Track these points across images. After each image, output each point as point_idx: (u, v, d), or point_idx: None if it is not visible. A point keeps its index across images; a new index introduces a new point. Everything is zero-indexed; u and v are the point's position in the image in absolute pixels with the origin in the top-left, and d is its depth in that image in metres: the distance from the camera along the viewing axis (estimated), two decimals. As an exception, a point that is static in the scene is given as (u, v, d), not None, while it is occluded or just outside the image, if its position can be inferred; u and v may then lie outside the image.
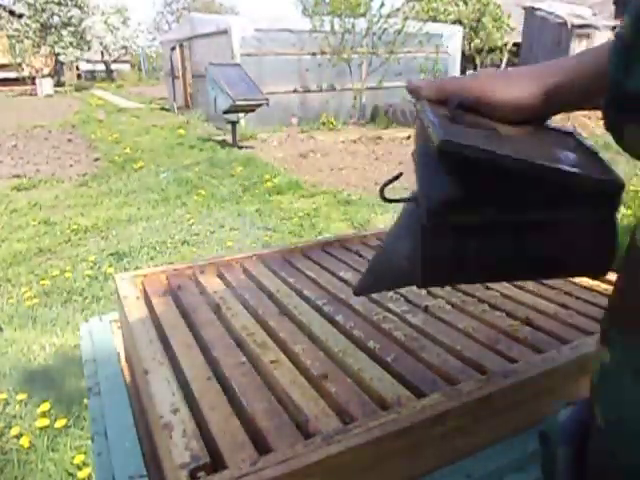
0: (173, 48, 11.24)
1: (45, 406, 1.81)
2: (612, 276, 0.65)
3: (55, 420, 1.76)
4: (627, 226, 3.11)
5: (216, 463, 0.47)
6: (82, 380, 1.77)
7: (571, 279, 0.88)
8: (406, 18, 9.68)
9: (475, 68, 15.34)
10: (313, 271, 0.91)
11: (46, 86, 15.94)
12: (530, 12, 13.23)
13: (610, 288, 0.85)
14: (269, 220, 4.00)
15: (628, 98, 0.30)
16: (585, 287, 0.86)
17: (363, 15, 9.43)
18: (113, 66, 26.31)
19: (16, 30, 18.77)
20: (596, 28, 12.16)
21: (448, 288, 0.84)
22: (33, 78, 17.13)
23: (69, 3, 20.28)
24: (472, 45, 14.93)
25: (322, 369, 0.61)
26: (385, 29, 9.24)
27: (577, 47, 12.18)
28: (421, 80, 0.50)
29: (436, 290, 0.83)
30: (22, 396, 1.89)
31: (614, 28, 12.12)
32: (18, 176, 5.43)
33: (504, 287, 0.85)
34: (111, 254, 3.31)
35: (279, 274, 0.90)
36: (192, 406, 0.54)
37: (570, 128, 0.50)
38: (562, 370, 0.60)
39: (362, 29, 9.15)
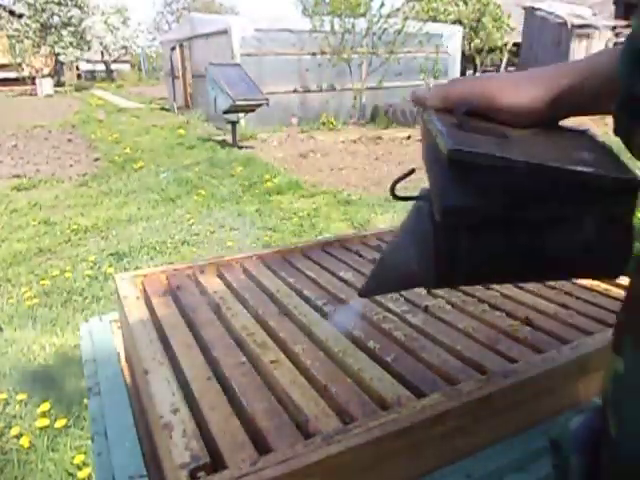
0: (173, 48, 11.24)
1: (45, 406, 1.82)
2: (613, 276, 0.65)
3: (55, 420, 1.76)
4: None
5: (216, 463, 0.47)
6: (82, 380, 1.77)
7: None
8: (406, 18, 9.69)
9: (475, 68, 15.36)
10: (313, 271, 0.91)
11: (46, 86, 15.94)
12: (530, 12, 13.26)
13: (611, 288, 0.85)
14: (269, 220, 4.00)
15: (639, 101, 0.30)
16: (585, 287, 0.86)
17: (363, 15, 9.44)
18: (113, 66, 26.32)
19: (16, 30, 18.78)
20: (596, 28, 12.17)
21: (448, 288, 0.84)
22: (33, 78, 17.13)
23: (69, 3, 20.29)
24: (472, 45, 14.93)
25: (322, 370, 0.61)
26: (385, 29, 9.25)
27: (577, 47, 12.20)
28: (424, 89, 0.50)
29: (436, 290, 0.83)
30: (22, 396, 1.89)
31: (614, 28, 12.14)
32: (18, 176, 5.43)
33: (504, 287, 0.85)
34: (111, 254, 3.31)
35: (279, 274, 0.90)
36: (192, 406, 0.54)
37: (584, 126, 0.48)
38: (562, 370, 0.60)
39: (362, 29, 9.16)
